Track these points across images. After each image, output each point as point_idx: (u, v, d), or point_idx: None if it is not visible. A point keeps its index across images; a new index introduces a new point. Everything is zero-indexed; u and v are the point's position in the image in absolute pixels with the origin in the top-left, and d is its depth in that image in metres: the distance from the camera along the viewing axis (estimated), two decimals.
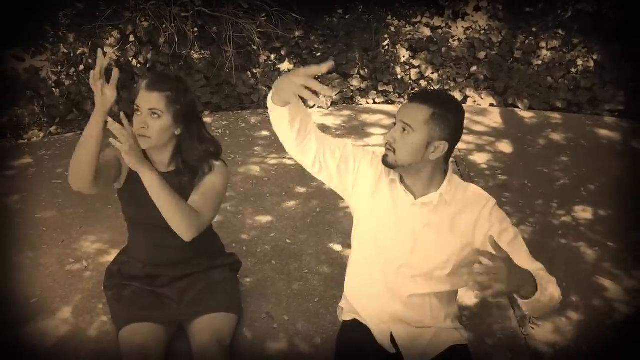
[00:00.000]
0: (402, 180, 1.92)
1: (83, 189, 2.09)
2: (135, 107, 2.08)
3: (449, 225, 1.90)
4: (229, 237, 3.18)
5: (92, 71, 1.98)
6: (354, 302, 2.13)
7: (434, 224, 1.90)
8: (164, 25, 5.31)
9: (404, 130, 1.80)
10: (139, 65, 5.40)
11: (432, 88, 5.70)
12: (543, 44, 5.99)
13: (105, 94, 1.98)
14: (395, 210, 1.92)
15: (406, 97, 5.71)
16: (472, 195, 1.90)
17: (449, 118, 1.80)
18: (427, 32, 6.16)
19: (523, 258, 1.83)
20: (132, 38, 5.37)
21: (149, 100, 2.05)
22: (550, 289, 1.74)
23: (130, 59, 5.37)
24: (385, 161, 1.86)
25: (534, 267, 1.82)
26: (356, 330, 2.14)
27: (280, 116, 1.79)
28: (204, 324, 2.25)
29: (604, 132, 4.99)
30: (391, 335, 2.08)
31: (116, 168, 2.20)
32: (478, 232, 1.87)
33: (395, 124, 1.84)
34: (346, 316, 2.22)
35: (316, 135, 1.87)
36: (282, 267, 3.00)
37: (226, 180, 2.28)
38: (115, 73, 1.96)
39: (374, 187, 1.95)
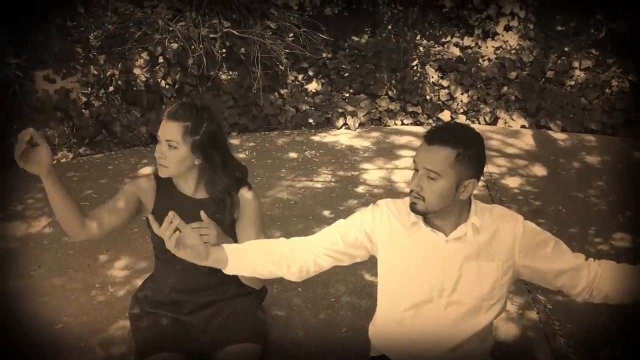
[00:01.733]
0: (425, 220, 1.83)
1: (82, 237, 2.07)
2: (157, 135, 2.07)
3: (487, 252, 1.82)
4: None
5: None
6: (391, 344, 2.05)
7: (472, 254, 1.82)
8: (193, 47, 5.33)
9: (429, 177, 1.72)
10: (167, 87, 5.42)
11: (451, 118, 5.60)
12: (576, 64, 5.86)
13: (36, 159, 1.85)
14: (424, 252, 1.84)
15: (435, 119, 5.63)
16: (500, 216, 1.81)
17: (474, 154, 1.72)
18: (456, 52, 6.09)
19: (567, 259, 1.80)
20: (161, 59, 5.40)
21: (166, 130, 2.04)
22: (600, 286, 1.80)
23: (159, 80, 5.40)
24: (414, 209, 1.78)
25: (579, 262, 1.81)
26: None
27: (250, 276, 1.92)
28: (228, 354, 2.20)
29: (639, 155, 4.84)
30: None
31: (135, 206, 2.19)
32: (517, 251, 1.80)
33: (416, 169, 1.74)
34: (374, 352, 2.14)
35: (308, 255, 1.85)
36: (308, 295, 2.93)
37: (260, 205, 2.29)
38: (36, 135, 1.83)
39: (388, 238, 1.87)
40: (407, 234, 1.84)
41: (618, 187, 4.23)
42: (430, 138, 1.69)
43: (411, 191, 1.75)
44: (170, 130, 2.03)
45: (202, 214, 1.93)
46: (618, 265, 1.85)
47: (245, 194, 2.24)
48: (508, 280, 1.86)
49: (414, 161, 1.74)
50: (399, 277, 1.91)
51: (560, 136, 5.27)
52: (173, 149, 2.05)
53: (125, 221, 2.18)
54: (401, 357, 2.03)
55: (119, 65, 5.29)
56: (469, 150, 1.70)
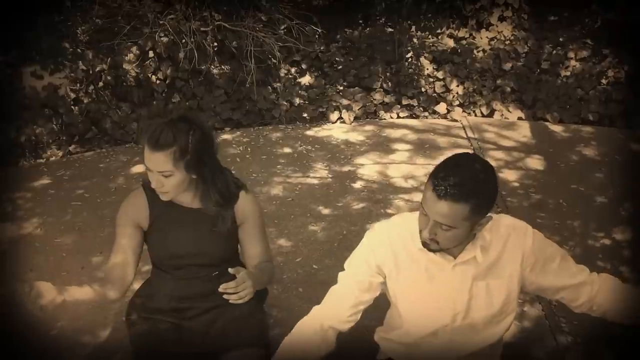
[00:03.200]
0: None
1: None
2: (148, 169, 1.97)
3: (495, 270, 1.77)
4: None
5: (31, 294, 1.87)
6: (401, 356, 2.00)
7: (480, 274, 1.76)
8: (184, 41, 5.22)
9: (442, 228, 1.61)
10: (158, 82, 5.32)
11: (447, 111, 5.53)
12: (571, 55, 5.81)
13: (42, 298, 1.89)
14: (432, 278, 1.77)
15: (430, 111, 5.57)
16: (507, 229, 1.74)
17: (488, 197, 1.61)
18: (450, 43, 6.02)
19: (572, 275, 1.78)
20: (151, 54, 5.30)
21: (155, 162, 1.93)
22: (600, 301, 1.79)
23: (150, 75, 5.30)
24: (428, 249, 1.69)
25: (583, 278, 1.79)
26: None
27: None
28: None
29: (637, 146, 4.81)
30: None
31: (140, 232, 2.13)
32: (525, 266, 1.76)
33: (426, 215, 1.60)
34: (380, 355, 2.09)
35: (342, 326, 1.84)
36: (309, 294, 2.88)
37: (260, 207, 2.25)
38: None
39: (395, 266, 1.79)
40: (413, 260, 1.77)
41: (617, 180, 4.20)
42: (441, 193, 1.53)
43: (425, 237, 1.65)
44: (158, 162, 1.92)
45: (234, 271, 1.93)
46: (621, 285, 1.82)
47: (245, 197, 2.18)
48: (517, 294, 1.83)
49: (422, 206, 1.60)
50: (410, 305, 1.85)
51: (557, 128, 5.22)
52: (169, 177, 1.97)
53: (142, 248, 2.15)
54: None
55: (108, 60, 5.18)
56: (483, 198, 1.58)
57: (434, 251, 1.69)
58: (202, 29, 5.34)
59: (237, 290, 1.90)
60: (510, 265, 1.75)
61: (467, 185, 1.52)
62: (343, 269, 1.92)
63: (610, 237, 3.43)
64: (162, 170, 1.94)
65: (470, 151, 4.70)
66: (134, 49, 5.25)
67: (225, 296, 1.91)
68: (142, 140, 1.96)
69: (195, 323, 2.22)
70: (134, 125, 4.99)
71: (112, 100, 5.15)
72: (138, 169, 4.32)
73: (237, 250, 2.28)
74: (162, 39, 5.25)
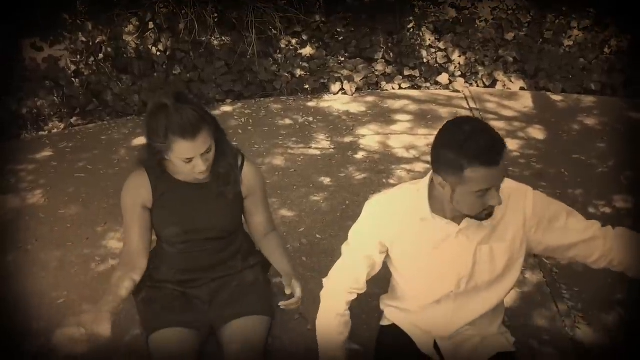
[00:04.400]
0: (435, 212, 1.75)
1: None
2: (185, 160, 1.94)
3: (498, 233, 1.78)
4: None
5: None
6: (405, 323, 2.03)
7: (483, 238, 1.77)
8: (184, 12, 5.18)
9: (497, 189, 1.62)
10: (158, 53, 5.29)
11: (449, 82, 5.49)
12: (574, 24, 5.76)
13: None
14: (436, 247, 1.79)
15: (432, 82, 5.54)
16: (507, 192, 1.72)
17: None
18: (452, 13, 5.95)
19: (581, 230, 1.75)
20: (151, 25, 5.26)
21: (200, 146, 1.92)
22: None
23: (150, 46, 5.27)
24: (485, 218, 1.67)
25: (593, 232, 1.76)
26: (396, 336, 2.05)
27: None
28: (236, 328, 2.17)
29: (639, 115, 4.79)
30: (434, 343, 1.99)
31: (147, 211, 2.15)
32: (529, 228, 1.76)
33: (484, 193, 1.58)
34: (385, 321, 2.12)
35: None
36: (313, 264, 2.90)
37: (263, 177, 2.28)
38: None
39: (397, 238, 1.82)
40: (415, 230, 1.78)
41: (619, 149, 4.19)
42: (496, 161, 1.51)
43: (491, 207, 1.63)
44: (203, 144, 1.92)
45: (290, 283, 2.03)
46: (636, 234, 1.79)
47: (250, 168, 2.20)
48: (521, 257, 1.83)
49: (472, 189, 1.56)
50: (415, 275, 1.88)
51: (559, 98, 5.20)
52: (209, 153, 1.97)
53: (151, 226, 2.18)
54: (415, 331, 2.01)
55: (108, 32, 5.15)
56: None
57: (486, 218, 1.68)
58: None
59: (298, 304, 2.04)
60: (513, 228, 1.76)
61: (501, 140, 1.55)
62: (346, 239, 1.95)
63: (611, 206, 3.45)
64: (205, 151, 1.94)
65: None
66: (134, 20, 5.21)
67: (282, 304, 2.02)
68: (172, 137, 1.88)
69: (201, 291, 2.25)
70: (135, 97, 4.98)
71: (112, 72, 5.13)
72: (140, 141, 4.32)
73: (241, 221, 2.30)
74: (162, 9, 5.21)
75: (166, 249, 2.22)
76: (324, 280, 2.03)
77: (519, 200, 1.75)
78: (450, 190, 1.61)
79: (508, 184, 1.75)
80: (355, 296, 1.98)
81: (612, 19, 5.66)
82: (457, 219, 1.74)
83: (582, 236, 1.74)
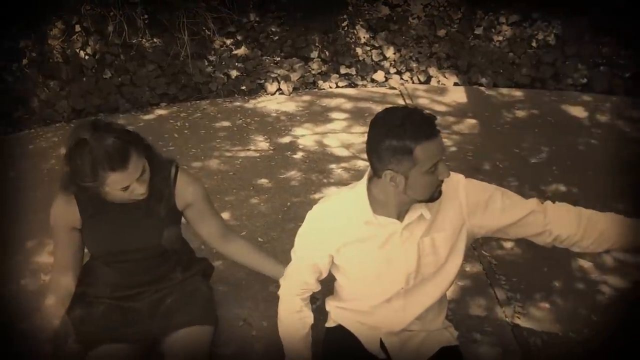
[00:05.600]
0: (377, 212, 1.74)
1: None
2: (122, 189, 1.84)
3: (437, 224, 1.79)
4: (197, 238, 2.99)
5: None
6: (353, 323, 2.02)
7: (425, 231, 1.77)
8: (112, 13, 5.02)
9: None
10: (87, 57, 5.10)
11: (385, 79, 5.54)
12: (503, 19, 5.92)
13: None
14: (382, 247, 1.78)
15: (369, 80, 5.57)
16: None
17: None
18: (385, 10, 6.01)
19: (520, 208, 1.76)
20: (77, 28, 5.06)
21: (132, 173, 1.82)
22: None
23: (78, 50, 5.07)
24: (438, 196, 1.68)
25: (532, 206, 1.77)
26: (342, 337, 2.04)
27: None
28: (178, 339, 2.11)
29: (568, 107, 4.97)
30: (380, 341, 1.98)
31: (75, 230, 2.04)
32: (467, 214, 1.78)
33: (433, 171, 1.59)
34: (330, 323, 2.11)
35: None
36: None
37: (201, 183, 2.18)
38: None
39: (342, 245, 1.81)
40: (360, 235, 1.77)
41: (550, 140, 4.33)
42: (433, 132, 1.56)
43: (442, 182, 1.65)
44: (133, 171, 1.82)
45: None
46: (577, 208, 1.80)
47: (184, 178, 2.09)
48: (464, 244, 1.84)
49: (421, 168, 1.57)
50: (364, 277, 1.87)
51: (491, 92, 5.32)
52: (145, 174, 1.88)
53: (83, 247, 2.09)
54: (361, 330, 2.00)
55: (32, 36, 4.92)
56: None
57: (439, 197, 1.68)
58: (131, 0, 5.14)
59: None
60: (451, 216, 1.76)
61: (430, 114, 1.61)
62: (288, 241, 1.93)
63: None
64: (141, 173, 1.85)
65: None
66: (59, 23, 5.01)
67: None
68: (102, 173, 1.77)
69: (141, 304, 2.16)
70: (64, 103, 4.78)
71: (38, 78, 4.91)
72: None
73: (180, 234, 2.22)
74: (88, 12, 5.02)
75: (100, 267, 2.12)
76: (281, 280, 2.02)
77: (453, 189, 1.76)
78: (403, 180, 1.60)
79: None
80: (309, 293, 2.00)
81: (539, 13, 5.84)
82: (400, 215, 1.74)
83: (521, 213, 1.75)
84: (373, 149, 1.61)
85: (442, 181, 1.64)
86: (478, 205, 1.76)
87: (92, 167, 1.75)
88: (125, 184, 1.82)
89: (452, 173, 1.77)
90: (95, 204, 1.97)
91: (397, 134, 1.54)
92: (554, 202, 1.82)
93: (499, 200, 1.76)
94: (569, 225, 1.76)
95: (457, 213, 1.77)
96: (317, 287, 1.98)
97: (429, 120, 1.57)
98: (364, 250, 1.79)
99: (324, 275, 1.95)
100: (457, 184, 1.77)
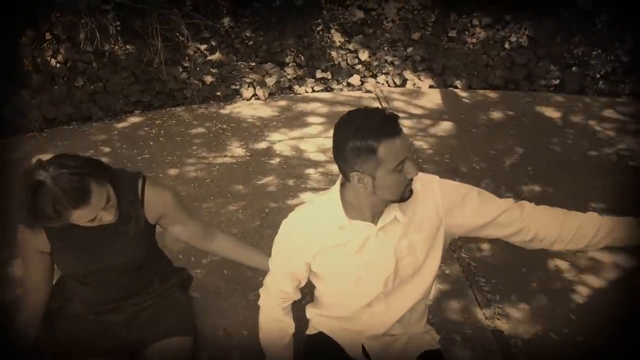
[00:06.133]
0: (351, 217, 1.72)
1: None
2: (89, 221, 1.79)
3: (414, 225, 1.77)
4: (175, 247, 2.96)
5: None
6: (335, 330, 2.00)
7: (401, 233, 1.76)
8: (83, 20, 4.94)
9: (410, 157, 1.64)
10: (58, 65, 5.02)
11: (360, 82, 5.56)
12: (476, 22, 5.97)
13: None
14: (358, 252, 1.77)
15: (345, 84, 5.57)
16: (417, 183, 1.71)
17: None
18: (360, 14, 6.03)
19: (494, 204, 1.73)
20: (48, 36, 4.98)
21: (96, 206, 1.76)
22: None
23: (49, 58, 4.98)
24: (409, 196, 1.65)
25: (508, 204, 1.74)
26: (324, 344, 2.02)
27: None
28: (157, 351, 2.06)
29: (542, 108, 5.03)
30: (362, 346, 1.97)
31: (42, 252, 1.96)
32: (443, 214, 1.75)
33: (400, 169, 1.58)
34: (311, 330, 2.09)
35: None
36: (235, 276, 2.83)
37: (171, 190, 2.10)
38: None
39: (318, 252, 1.79)
40: (336, 241, 1.75)
41: (525, 141, 4.37)
42: (397, 130, 1.55)
43: (412, 180, 1.63)
44: (97, 204, 1.75)
45: None
46: (553, 208, 1.78)
47: (152, 192, 2.02)
48: (441, 245, 1.82)
49: (388, 167, 1.55)
50: (342, 283, 1.85)
51: (466, 94, 5.37)
52: (110, 201, 1.82)
53: (53, 267, 2.02)
54: (343, 336, 1.99)
55: (2, 45, 4.82)
56: None
57: (410, 197, 1.66)
58: (102, 7, 5.07)
59: None
60: (427, 217, 1.75)
61: (392, 112, 1.59)
62: (267, 248, 1.91)
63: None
64: (106, 201, 1.79)
65: None
66: (29, 31, 4.91)
67: None
68: (64, 213, 1.71)
69: (118, 317, 2.12)
70: (36, 112, 4.70)
71: (9, 87, 4.81)
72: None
73: (155, 246, 2.17)
74: (59, 19, 4.94)
75: (74, 285, 2.07)
76: (260, 290, 1.99)
77: (427, 190, 1.75)
78: (371, 180, 1.59)
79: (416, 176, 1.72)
80: (289, 302, 1.98)
81: (511, 15, 5.90)
82: (375, 218, 1.73)
83: (497, 211, 1.73)
84: (338, 152, 1.61)
85: (411, 180, 1.62)
86: (454, 204, 1.75)
87: (54, 208, 1.69)
88: (91, 217, 1.78)
89: (427, 175, 1.78)
90: (62, 229, 1.90)
91: (360, 134, 1.54)
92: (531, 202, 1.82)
93: (474, 199, 1.74)
94: (546, 222, 1.74)
95: (433, 213, 1.76)
96: (296, 296, 1.96)
97: (391, 119, 1.56)
98: (340, 255, 1.78)
99: (303, 283, 1.93)
100: (432, 185, 1.76)
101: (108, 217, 1.83)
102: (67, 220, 1.75)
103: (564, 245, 1.78)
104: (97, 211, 1.77)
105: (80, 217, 1.75)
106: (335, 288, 1.89)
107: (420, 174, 1.76)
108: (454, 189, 1.76)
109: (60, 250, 1.94)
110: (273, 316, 1.97)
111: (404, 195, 1.64)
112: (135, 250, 2.00)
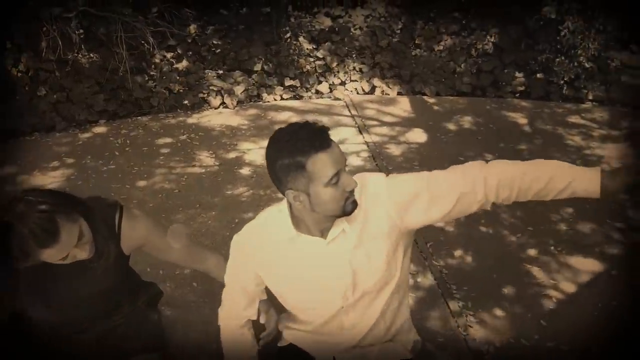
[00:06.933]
0: (300, 229, 1.67)
1: None
2: (60, 259, 1.70)
3: (367, 233, 1.71)
4: (143, 261, 2.88)
5: None
6: (303, 342, 1.96)
7: (355, 243, 1.71)
8: (45, 28, 4.83)
9: (347, 170, 1.58)
10: (19, 75, 4.89)
11: (329, 90, 5.56)
12: (443, 29, 6.03)
13: None
14: (310, 265, 1.72)
15: (314, 91, 5.56)
16: (361, 188, 1.63)
17: None
18: (328, 22, 6.03)
19: (447, 201, 1.60)
20: (8, 44, 4.85)
21: (66, 244, 1.66)
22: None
23: (9, 67, 4.85)
24: (353, 209, 1.59)
25: (460, 188, 1.61)
26: (295, 356, 1.98)
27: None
28: None
29: (509, 114, 5.09)
30: (333, 359, 1.94)
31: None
32: (395, 215, 1.65)
33: (336, 182, 1.52)
34: (282, 342, 2.05)
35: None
36: (205, 289, 2.77)
37: (145, 219, 2.03)
38: None
39: (268, 267, 1.74)
40: (285, 251, 1.70)
41: (493, 147, 4.41)
42: (327, 143, 1.50)
43: (352, 192, 1.56)
44: (68, 242, 1.66)
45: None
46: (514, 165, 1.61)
47: (129, 223, 1.94)
48: (402, 247, 1.75)
49: (333, 167, 1.51)
50: (297, 297, 1.79)
51: (434, 101, 5.41)
52: (83, 237, 1.71)
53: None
54: (314, 349, 1.95)
55: None
56: None
57: (354, 209, 1.60)
58: (65, 15, 4.96)
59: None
60: (379, 221, 1.67)
61: (322, 126, 1.52)
62: None
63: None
64: (79, 238, 1.69)
65: (354, 129, 4.76)
66: None
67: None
68: (34, 253, 1.62)
69: (88, 337, 2.05)
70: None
71: None
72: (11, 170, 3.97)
73: (126, 271, 2.10)
74: (20, 27, 4.82)
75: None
76: (219, 310, 1.93)
77: (375, 194, 1.66)
78: (306, 197, 1.54)
79: (360, 180, 1.65)
80: (246, 319, 1.89)
81: (477, 23, 5.97)
82: (324, 232, 1.68)
83: (450, 203, 1.61)
84: (271, 171, 1.56)
85: (351, 192, 1.56)
86: (405, 202, 1.64)
87: (22, 250, 1.62)
88: (62, 255, 1.70)
89: (372, 174, 1.70)
90: (36, 269, 1.82)
91: (287, 151, 1.49)
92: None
93: (424, 192, 1.62)
94: (510, 182, 1.59)
95: (385, 217, 1.68)
96: (253, 315, 1.87)
97: (319, 132, 1.50)
98: (291, 269, 1.73)
99: (257, 300, 1.86)
100: (379, 188, 1.67)
101: (82, 254, 1.75)
102: (37, 259, 1.68)
103: (539, 196, 1.66)
104: (68, 249, 1.69)
105: (51, 256, 1.67)
106: (293, 303, 1.85)
107: (368, 176, 1.68)
108: (402, 186, 1.65)
109: (31, 292, 1.86)
110: (232, 334, 1.91)
111: (345, 209, 1.57)
112: (109, 281, 1.94)
